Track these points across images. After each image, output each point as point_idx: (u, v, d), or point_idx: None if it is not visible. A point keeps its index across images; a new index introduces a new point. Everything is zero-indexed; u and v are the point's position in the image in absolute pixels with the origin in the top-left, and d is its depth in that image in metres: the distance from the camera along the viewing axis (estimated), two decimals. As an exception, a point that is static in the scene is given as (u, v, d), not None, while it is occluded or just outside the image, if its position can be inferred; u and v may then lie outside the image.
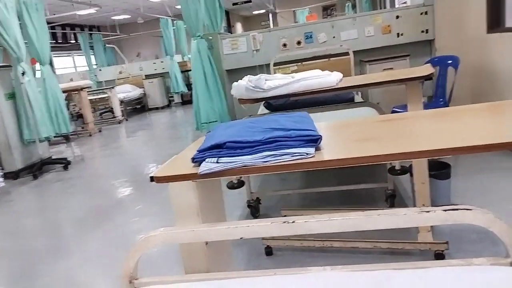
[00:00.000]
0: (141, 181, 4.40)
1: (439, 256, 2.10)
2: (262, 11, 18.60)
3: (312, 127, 1.19)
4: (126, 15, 13.27)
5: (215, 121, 4.77)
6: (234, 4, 14.86)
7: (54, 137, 5.93)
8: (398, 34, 4.54)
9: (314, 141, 1.10)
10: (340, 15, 14.28)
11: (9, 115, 5.27)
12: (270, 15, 17.06)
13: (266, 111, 3.36)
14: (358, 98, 3.61)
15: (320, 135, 1.12)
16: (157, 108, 11.11)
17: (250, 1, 14.37)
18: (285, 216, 2.66)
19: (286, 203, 3.17)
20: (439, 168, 2.55)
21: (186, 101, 11.36)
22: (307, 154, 1.05)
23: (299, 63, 4.53)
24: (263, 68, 4.82)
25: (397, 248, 2.20)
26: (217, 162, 1.08)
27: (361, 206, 2.89)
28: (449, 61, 3.66)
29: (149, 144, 6.76)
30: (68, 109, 6.95)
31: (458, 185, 2.88)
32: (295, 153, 1.05)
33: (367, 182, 2.97)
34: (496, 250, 2.10)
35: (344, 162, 1.03)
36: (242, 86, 2.42)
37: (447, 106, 3.58)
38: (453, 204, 2.57)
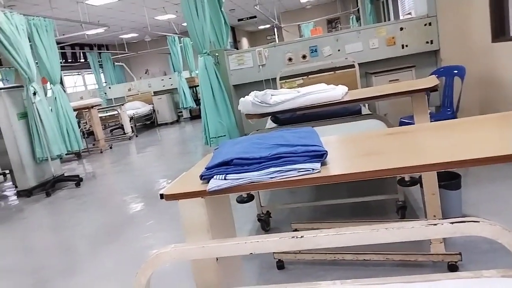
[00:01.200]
0: (151, 197, 4.43)
1: (452, 267, 2.08)
2: (267, 26, 18.81)
3: (318, 142, 1.21)
4: (134, 33, 13.51)
5: (224, 136, 4.82)
6: (239, 20, 15.07)
7: (66, 154, 6.02)
8: (402, 45, 4.56)
9: (319, 156, 1.11)
10: (345, 27, 14.38)
11: (22, 134, 5.37)
12: (275, 30, 17.24)
13: (274, 125, 3.39)
14: (365, 110, 3.62)
15: (326, 151, 1.13)
16: (166, 124, 11.22)
17: (255, 17, 14.56)
18: (295, 229, 2.67)
19: (296, 216, 3.17)
20: (450, 178, 2.54)
21: (195, 116, 11.46)
22: (313, 169, 1.07)
23: (305, 77, 4.57)
24: (270, 83, 4.87)
25: (409, 260, 2.18)
26: (225, 179, 1.11)
27: (372, 218, 2.87)
28: (455, 71, 3.67)
29: (159, 159, 6.81)
30: (79, 126, 7.05)
31: (470, 195, 2.87)
32: (301, 168, 1.07)
33: (377, 194, 2.96)
34: (510, 260, 2.08)
35: (350, 177, 1.05)
36: (249, 101, 2.46)
37: (455, 116, 3.57)
38: (465, 215, 2.56)
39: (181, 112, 11.75)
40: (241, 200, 2.72)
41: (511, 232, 0.94)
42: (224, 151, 1.27)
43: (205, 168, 1.16)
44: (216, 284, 1.16)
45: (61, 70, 6.27)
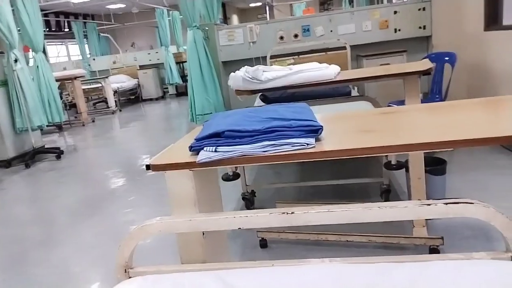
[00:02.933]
0: (134, 172, 4.36)
1: (434, 251, 2.10)
2: (259, 3, 18.49)
3: (312, 118, 1.17)
4: (121, 4, 13.09)
5: (210, 113, 4.75)
6: (230, -4, 14.75)
7: (47, 126, 5.86)
8: (395, 29, 4.53)
9: (315, 131, 1.08)
10: (337, 9, 14.24)
11: (1, 103, 5.19)
12: (267, 8, 16.97)
13: (262, 103, 3.34)
14: (354, 92, 3.60)
15: (321, 126, 1.10)
16: (151, 99, 11.03)
17: (247, -6, 14.27)
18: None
19: (281, 196, 3.16)
20: (435, 164, 2.55)
21: (181, 92, 11.29)
22: (308, 144, 1.03)
23: (296, 56, 4.51)
24: (260, 61, 4.79)
25: (392, 243, 2.20)
26: (216, 151, 1.06)
27: (355, 201, 2.88)
28: (446, 58, 3.66)
29: (143, 135, 6.71)
30: (61, 98, 6.86)
31: (453, 181, 2.89)
32: (295, 143, 1.03)
33: (362, 176, 2.96)
34: (490, 246, 2.11)
35: (346, 153, 1.02)
36: (239, 77, 2.40)
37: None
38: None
39: (167, 88, 11.55)
40: (226, 178, 2.67)
41: (504, 215, 0.93)
42: (215, 123, 1.22)
43: (195, 139, 1.12)
44: (201, 259, 1.13)
45: (44, 39, 6.04)
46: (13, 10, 5.20)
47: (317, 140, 1.10)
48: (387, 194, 2.79)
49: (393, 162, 2.60)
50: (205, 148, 1.08)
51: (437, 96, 3.69)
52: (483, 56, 3.74)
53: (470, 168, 3.16)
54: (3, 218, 3.51)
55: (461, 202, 0.92)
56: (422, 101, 3.78)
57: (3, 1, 4.90)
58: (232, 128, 1.09)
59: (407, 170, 2.39)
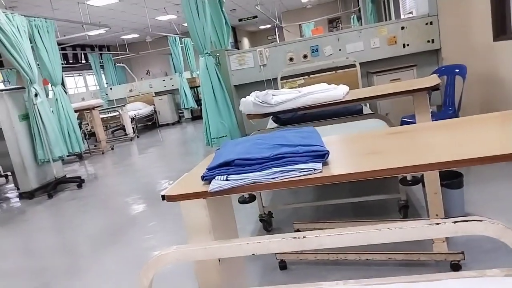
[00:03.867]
0: (153, 198, 4.43)
1: (455, 266, 2.07)
2: (268, 26, 18.81)
3: (319, 142, 1.21)
4: (135, 34, 13.52)
5: (225, 136, 4.82)
6: (240, 20, 15.07)
7: (67, 156, 6.02)
8: (404, 44, 4.56)
9: (321, 156, 1.11)
10: (346, 27, 14.38)
11: (23, 136, 5.37)
12: (276, 30, 17.23)
13: (275, 125, 3.39)
14: (366, 109, 3.62)
15: (327, 150, 1.13)
16: (167, 124, 11.23)
17: (256, 17, 14.56)
18: (297, 229, 2.66)
19: (299, 216, 3.17)
20: (451, 177, 2.54)
21: (196, 116, 11.47)
22: (315, 169, 1.06)
23: (306, 77, 4.57)
24: (271, 82, 4.87)
25: (412, 260, 2.18)
26: (227, 180, 1.10)
27: (374, 218, 2.87)
28: (457, 70, 3.66)
29: (160, 160, 6.82)
30: (81, 128, 7.05)
31: (472, 194, 2.86)
32: (302, 169, 1.07)
33: (379, 193, 2.95)
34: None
35: (352, 176, 1.04)
36: (250, 102, 2.46)
37: (456, 114, 3.57)
38: (467, 214, 2.55)
39: (182, 112, 11.75)
40: (243, 201, 2.72)
41: (514, 231, 0.94)
42: (225, 151, 1.27)
43: (207, 169, 1.16)
44: (218, 285, 1.16)
45: (62, 71, 6.27)
46: (32, 46, 5.44)
47: (325, 164, 1.13)
48: (405, 209, 2.78)
49: (408, 178, 2.61)
50: (216, 177, 1.12)
51: (450, 109, 3.68)
52: (494, 66, 3.73)
53: (488, 180, 3.12)
54: (28, 248, 3.60)
55: (469, 220, 0.93)
56: (436, 114, 3.78)
57: (23, 39, 5.13)
58: (242, 157, 1.13)
59: (423, 185, 2.38)
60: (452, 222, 0.94)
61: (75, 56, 13.95)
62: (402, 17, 8.47)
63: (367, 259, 2.25)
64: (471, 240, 2.26)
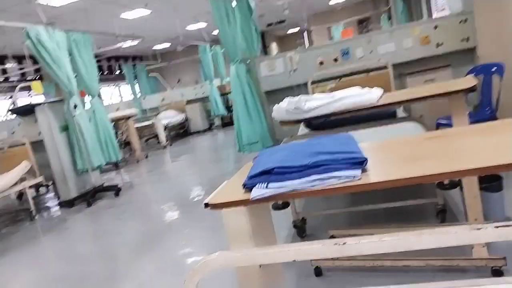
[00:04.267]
0: (187, 205, 4.53)
1: (497, 272, 2.02)
2: (296, 29, 18.81)
3: (357, 149, 1.22)
4: (166, 43, 13.85)
5: (256, 142, 4.86)
6: (268, 25, 15.15)
7: (105, 165, 6.23)
8: (437, 44, 4.46)
9: (360, 163, 1.13)
10: (376, 27, 14.17)
11: (63, 147, 5.61)
12: (305, 33, 17.20)
13: (306, 130, 3.40)
14: (400, 111, 3.57)
15: (366, 158, 1.14)
16: (198, 132, 11.42)
17: (284, 21, 14.60)
18: (332, 235, 2.66)
19: (332, 222, 3.16)
20: (491, 180, 2.47)
21: (227, 123, 11.61)
22: (354, 177, 1.08)
23: (337, 80, 4.54)
24: (301, 87, 4.88)
25: (451, 266, 2.13)
26: (267, 187, 1.14)
27: (410, 223, 2.82)
28: (493, 69, 3.56)
29: (193, 167, 6.94)
30: (116, 137, 7.29)
31: (513, 196, 2.76)
32: (341, 176, 1.08)
33: (415, 198, 2.90)
34: (560, 265, 1.99)
35: (391, 183, 1.05)
36: (283, 109, 2.49)
37: (494, 115, 3.46)
38: (508, 218, 2.47)
39: (213, 119, 11.93)
40: (276, 207, 2.74)
41: (562, 236, 0.92)
42: (263, 160, 1.30)
43: (247, 177, 1.20)
44: (260, 290, 1.19)
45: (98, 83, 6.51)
46: (70, 59, 5.68)
47: (364, 171, 1.14)
48: (443, 214, 2.72)
49: (445, 182, 2.56)
50: (257, 185, 1.16)
51: (487, 109, 3.58)
52: (534, 64, 3.60)
53: (531, 182, 3.01)
54: (70, 255, 3.76)
55: (511, 225, 0.92)
56: (473, 115, 3.68)
57: (62, 53, 5.37)
58: (281, 165, 1.16)
59: (461, 189, 2.33)
60: (494, 227, 0.93)
61: (110, 67, 14.44)
62: (434, 14, 8.30)
63: (404, 265, 2.22)
64: (514, 245, 2.20)
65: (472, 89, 2.07)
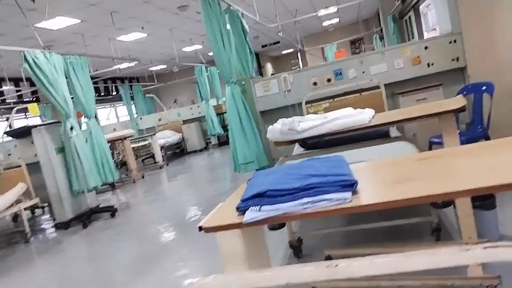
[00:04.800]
0: (184, 225, 4.51)
1: (492, 291, 2.02)
2: (291, 50, 19.08)
3: (347, 171, 1.25)
4: (162, 65, 13.99)
5: (252, 161, 4.88)
6: (263, 46, 15.38)
7: (101, 185, 6.21)
8: (428, 64, 4.55)
9: (350, 185, 1.15)
10: (368, 47, 14.41)
11: (59, 168, 5.60)
12: (299, 53, 17.45)
13: (302, 149, 3.43)
14: (393, 130, 3.61)
15: (356, 180, 1.17)
16: (195, 151, 11.44)
17: (279, 42, 14.82)
18: (328, 255, 2.66)
19: (329, 241, 3.16)
20: (484, 198, 2.49)
21: (223, 142, 11.67)
22: (345, 199, 1.10)
23: (331, 100, 4.60)
24: (296, 107, 4.93)
25: (446, 285, 2.14)
26: (260, 210, 1.16)
27: (406, 242, 2.83)
28: (484, 88, 3.63)
29: (189, 187, 6.93)
30: (113, 157, 7.29)
31: (507, 214, 2.79)
32: (332, 198, 1.11)
33: (410, 216, 2.92)
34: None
35: (381, 206, 1.08)
36: (277, 129, 2.53)
37: (486, 133, 3.51)
38: (502, 235, 2.49)
39: (210, 139, 11.98)
40: (272, 227, 2.74)
41: (548, 256, 0.94)
42: (257, 182, 1.33)
43: (241, 200, 1.22)
44: (254, 313, 1.20)
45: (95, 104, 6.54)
46: (67, 82, 5.72)
47: (354, 193, 1.17)
48: (438, 232, 2.73)
49: (439, 201, 2.58)
50: (250, 208, 1.18)
51: (479, 127, 3.63)
52: (523, 82, 3.68)
53: (524, 199, 3.03)
54: (65, 278, 3.72)
55: (500, 246, 0.95)
56: (465, 133, 3.74)
57: (59, 76, 5.42)
58: (274, 188, 1.18)
59: (455, 207, 2.35)
60: (483, 248, 0.96)
61: (106, 88, 14.54)
62: (425, 34, 8.46)
63: (400, 286, 2.22)
64: (510, 262, 2.20)
65: (461, 110, 2.12)
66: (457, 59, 4.45)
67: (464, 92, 3.86)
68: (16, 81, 11.07)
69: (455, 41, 4.43)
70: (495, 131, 3.59)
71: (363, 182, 1.25)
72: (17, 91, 11.26)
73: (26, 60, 5.03)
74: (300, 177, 1.25)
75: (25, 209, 5.32)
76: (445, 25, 4.66)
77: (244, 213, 1.19)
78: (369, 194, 1.18)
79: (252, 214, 1.15)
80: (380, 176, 1.42)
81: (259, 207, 1.17)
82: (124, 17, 7.91)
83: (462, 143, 3.10)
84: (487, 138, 3.48)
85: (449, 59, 4.49)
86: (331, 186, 1.14)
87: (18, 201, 5.17)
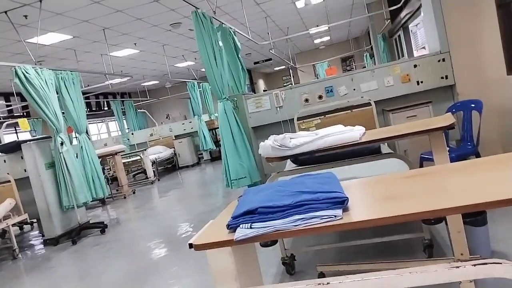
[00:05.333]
0: (175, 242, 4.46)
1: (484, 308, 2.02)
2: (283, 67, 19.27)
3: (338, 188, 1.25)
4: (155, 81, 14.03)
5: (244, 177, 4.87)
6: (255, 63, 15.52)
7: (91, 201, 6.14)
8: (418, 82, 4.62)
9: (341, 202, 1.16)
10: (359, 65, 14.61)
11: (49, 183, 5.54)
12: (291, 70, 17.62)
13: (293, 165, 3.44)
14: (384, 147, 3.64)
15: (347, 197, 1.18)
16: (187, 166, 11.39)
17: (271, 59, 14.98)
18: (321, 272, 2.64)
19: (321, 257, 3.14)
20: (475, 214, 2.51)
21: (215, 157, 11.65)
22: (335, 216, 1.11)
23: (322, 116, 4.64)
24: (287, 123, 4.96)
25: (439, 302, 2.13)
26: (251, 228, 1.15)
27: (398, 258, 2.82)
28: (472, 105, 3.69)
29: (181, 203, 6.88)
30: (104, 173, 7.22)
31: (498, 230, 2.80)
32: (323, 216, 1.11)
33: (402, 232, 2.92)
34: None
35: (372, 223, 1.08)
36: (268, 146, 2.53)
37: (475, 150, 3.56)
38: (494, 251, 2.50)
39: (202, 154, 11.95)
40: (264, 244, 2.72)
41: (537, 273, 0.95)
42: (248, 199, 1.32)
43: (231, 217, 1.22)
44: (245, 332, 1.18)
45: (86, 119, 6.51)
46: (58, 97, 5.70)
47: (345, 210, 1.17)
48: (430, 249, 2.73)
49: (430, 218, 2.58)
50: (241, 226, 1.17)
51: (468, 143, 3.68)
52: (511, 99, 3.75)
53: (514, 215, 3.06)
54: (54, 297, 3.64)
55: (489, 263, 0.95)
56: (454, 150, 3.78)
57: (51, 91, 5.40)
58: (264, 205, 1.18)
59: (446, 224, 2.36)
60: (472, 265, 0.96)
61: (98, 103, 14.50)
62: (415, 52, 8.61)
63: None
64: (500, 279, 2.21)
65: (450, 127, 2.15)
66: (446, 77, 4.53)
67: (453, 110, 3.92)
68: (7, 96, 11.02)
69: (443, 59, 4.52)
70: (485, 147, 3.64)
71: (354, 199, 1.25)
72: (8, 105, 11.20)
73: (17, 75, 5.02)
74: (291, 194, 1.25)
75: (13, 225, 5.22)
76: (433, 44, 4.75)
77: (235, 230, 1.18)
78: (360, 211, 1.19)
79: (243, 231, 1.15)
80: (371, 193, 1.42)
81: (250, 224, 1.16)
82: (117, 33, 7.96)
83: (453, 159, 3.15)
84: (477, 154, 3.52)
85: (438, 77, 4.57)
86: (322, 203, 1.15)
87: (6, 217, 5.09)
